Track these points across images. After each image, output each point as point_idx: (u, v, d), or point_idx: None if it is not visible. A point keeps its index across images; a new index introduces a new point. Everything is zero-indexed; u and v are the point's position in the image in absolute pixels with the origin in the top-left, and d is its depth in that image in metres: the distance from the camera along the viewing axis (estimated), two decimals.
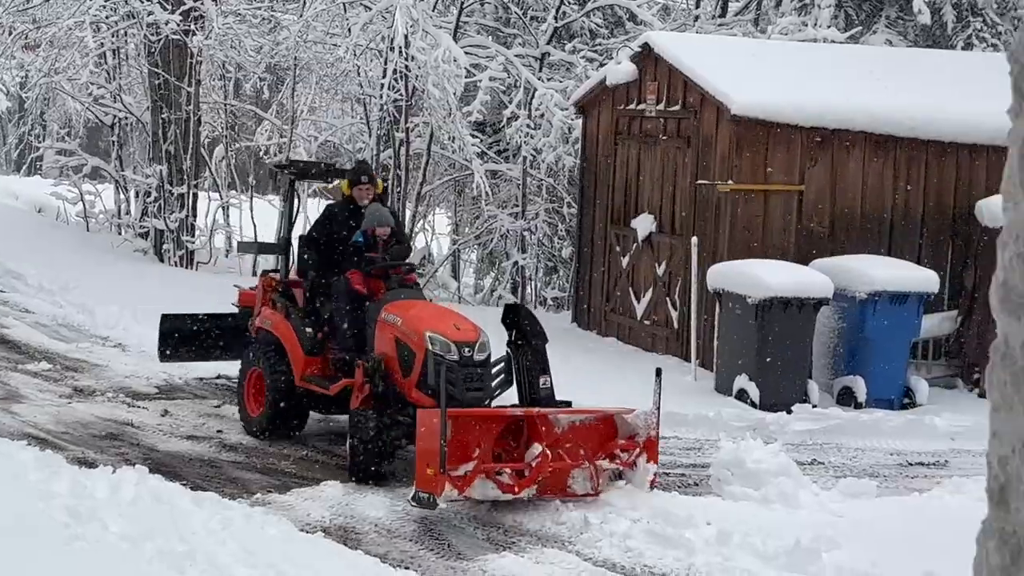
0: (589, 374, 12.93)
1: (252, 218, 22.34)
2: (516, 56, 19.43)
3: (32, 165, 40.24)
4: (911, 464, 11.19)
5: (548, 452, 8.77)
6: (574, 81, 19.02)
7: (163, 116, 20.98)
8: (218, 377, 12.96)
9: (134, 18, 21.17)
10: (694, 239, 13.86)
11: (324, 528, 8.35)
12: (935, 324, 13.80)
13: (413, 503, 8.60)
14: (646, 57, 15.36)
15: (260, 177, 26.27)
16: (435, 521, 8.64)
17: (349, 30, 19.69)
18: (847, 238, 14.09)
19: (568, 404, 9.74)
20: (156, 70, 20.97)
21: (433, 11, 19.50)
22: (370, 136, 20.78)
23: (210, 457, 10.24)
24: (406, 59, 17.83)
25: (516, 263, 20.33)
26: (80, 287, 16.94)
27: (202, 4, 20.48)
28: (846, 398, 12.88)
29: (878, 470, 10.81)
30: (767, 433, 11.32)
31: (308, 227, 12.24)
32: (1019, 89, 1.77)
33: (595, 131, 16.57)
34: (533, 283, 21.29)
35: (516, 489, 8.71)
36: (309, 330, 10.51)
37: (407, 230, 17.38)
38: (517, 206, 20.00)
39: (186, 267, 21.07)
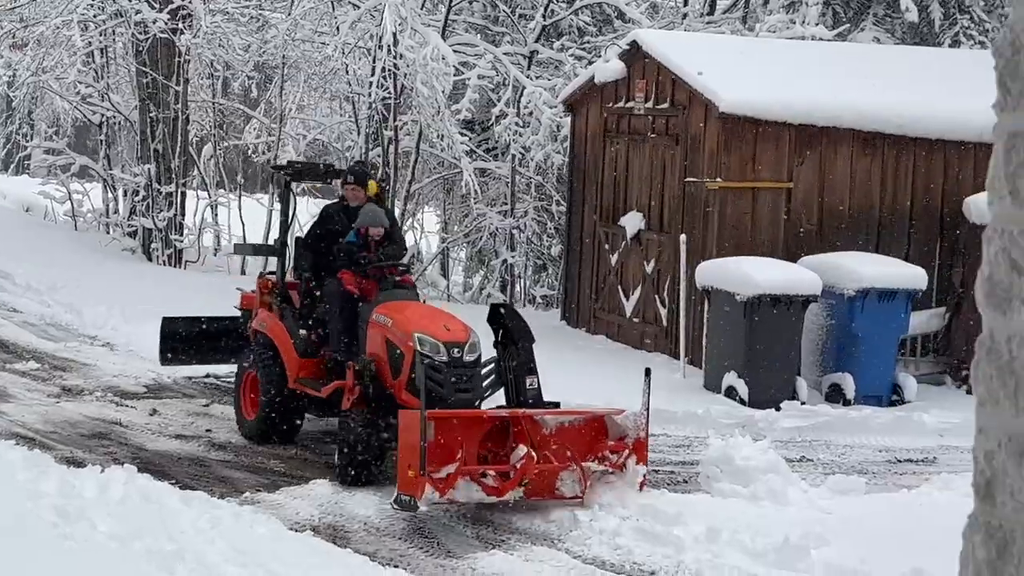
0: (578, 372, 12.91)
1: (240, 217, 22.33)
2: (505, 54, 19.44)
3: (20, 164, 40.13)
4: (899, 461, 11.21)
5: (534, 454, 8.66)
6: (562, 79, 19.02)
7: (151, 115, 20.95)
8: (207, 376, 12.93)
9: (122, 17, 21.15)
10: (683, 237, 13.87)
11: (313, 527, 8.34)
12: (923, 321, 13.82)
13: (395, 506, 8.53)
14: (634, 55, 15.36)
15: (248, 176, 26.24)
16: (425, 519, 8.62)
17: (337, 28, 19.67)
18: (835, 235, 14.11)
19: (556, 405, 9.63)
20: (144, 69, 20.94)
21: (421, 9, 19.50)
22: (359, 134, 20.76)
23: (199, 456, 10.23)
24: (394, 57, 17.81)
25: (505, 261, 20.34)
26: (68, 286, 16.90)
27: (190, 2, 20.45)
28: (835, 395, 12.90)
29: (867, 467, 10.82)
30: (756, 430, 11.31)
31: (305, 228, 12.19)
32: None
33: (584, 129, 16.56)
34: (522, 281, 21.31)
35: (501, 491, 8.59)
36: (303, 332, 10.43)
37: None
38: (506, 204, 20.00)
39: (174, 266, 21.05)
